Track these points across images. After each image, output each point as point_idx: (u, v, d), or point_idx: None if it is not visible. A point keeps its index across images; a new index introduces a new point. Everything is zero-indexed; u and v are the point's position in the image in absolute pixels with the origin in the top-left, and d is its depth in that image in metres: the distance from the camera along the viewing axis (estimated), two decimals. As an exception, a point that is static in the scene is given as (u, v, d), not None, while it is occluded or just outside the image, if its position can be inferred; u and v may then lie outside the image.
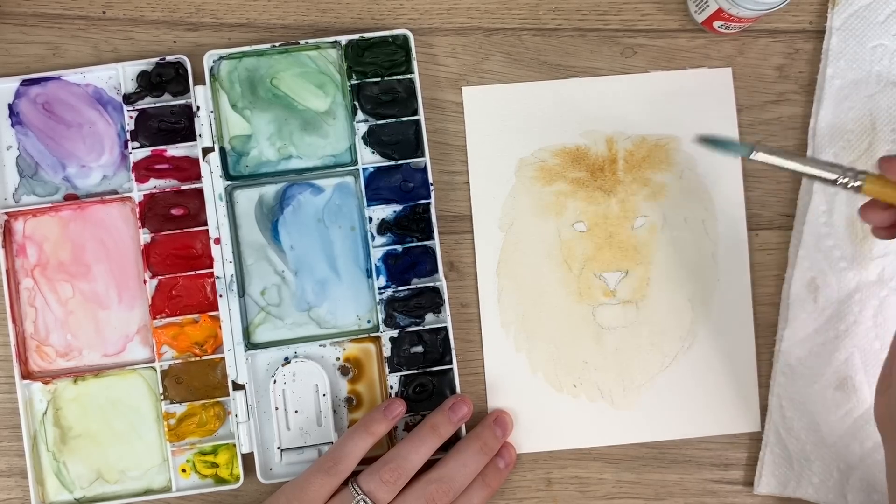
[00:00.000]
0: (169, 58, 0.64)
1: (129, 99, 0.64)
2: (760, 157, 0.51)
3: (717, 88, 0.67)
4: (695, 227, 0.66)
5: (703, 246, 0.67)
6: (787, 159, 0.51)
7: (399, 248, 0.65)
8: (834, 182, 0.49)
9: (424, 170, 0.65)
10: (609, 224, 0.66)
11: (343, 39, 0.65)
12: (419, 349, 0.65)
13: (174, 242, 0.64)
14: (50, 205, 0.64)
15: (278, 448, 0.64)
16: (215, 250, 0.64)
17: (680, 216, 0.66)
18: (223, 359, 0.64)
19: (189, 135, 0.64)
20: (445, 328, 0.65)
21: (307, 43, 0.65)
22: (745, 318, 0.66)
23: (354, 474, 0.60)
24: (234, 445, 0.64)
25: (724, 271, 0.66)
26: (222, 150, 0.65)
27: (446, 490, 0.60)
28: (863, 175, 0.48)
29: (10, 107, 0.65)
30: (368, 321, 0.66)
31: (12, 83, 0.65)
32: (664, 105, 0.67)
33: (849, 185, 0.49)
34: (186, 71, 0.64)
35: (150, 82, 0.65)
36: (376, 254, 0.65)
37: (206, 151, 0.64)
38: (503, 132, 0.67)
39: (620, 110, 0.67)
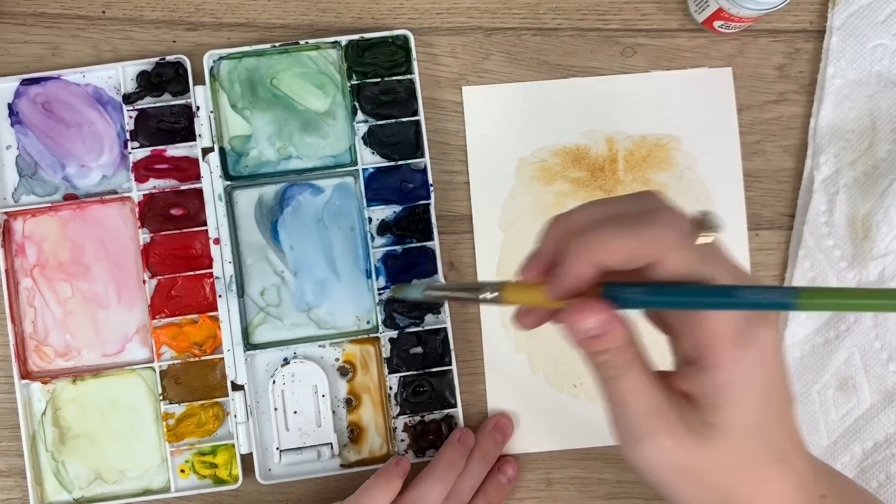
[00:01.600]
0: (169, 58, 0.64)
1: (128, 99, 0.64)
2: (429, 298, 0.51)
3: (718, 88, 0.67)
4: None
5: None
6: (444, 294, 0.52)
7: (399, 248, 0.65)
8: (477, 299, 0.47)
9: (424, 170, 0.65)
10: (609, 224, 0.66)
11: (343, 40, 0.65)
12: (418, 350, 0.65)
13: (173, 242, 0.64)
14: (49, 204, 0.64)
15: (277, 449, 0.64)
16: (215, 250, 0.64)
17: (680, 216, 0.66)
18: (222, 359, 0.64)
19: (189, 135, 0.64)
20: (445, 329, 0.64)
21: (307, 43, 0.65)
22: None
23: None
24: (233, 446, 0.64)
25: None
26: (222, 151, 0.65)
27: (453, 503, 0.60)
28: (500, 286, 0.46)
29: (10, 106, 0.65)
30: (368, 322, 0.66)
31: (12, 83, 0.65)
32: (664, 105, 0.67)
33: (489, 299, 0.46)
34: (186, 71, 0.64)
35: (149, 82, 0.65)
36: (376, 254, 0.65)
37: (205, 151, 0.64)
38: (503, 132, 0.66)
39: (621, 110, 0.67)
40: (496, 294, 0.46)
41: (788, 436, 0.44)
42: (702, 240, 0.40)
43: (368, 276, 0.65)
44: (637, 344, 0.43)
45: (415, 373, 0.64)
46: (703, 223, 0.40)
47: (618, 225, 0.40)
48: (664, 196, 0.42)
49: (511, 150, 0.67)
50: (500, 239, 0.66)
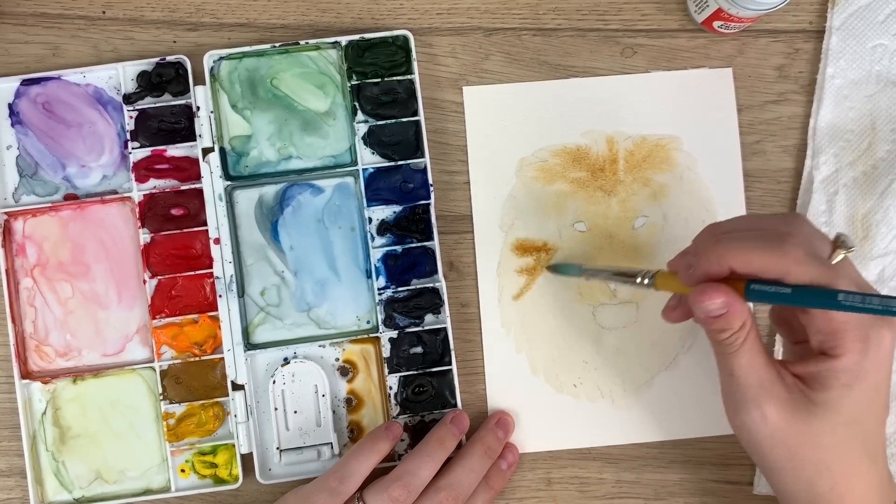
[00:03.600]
0: (169, 58, 0.64)
1: (129, 99, 0.65)
2: (585, 277, 0.63)
3: (718, 88, 0.67)
4: (695, 228, 0.66)
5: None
6: (602, 274, 0.61)
7: (399, 248, 0.65)
8: (636, 283, 0.57)
9: (424, 170, 0.65)
10: (609, 224, 0.66)
11: (343, 40, 0.65)
12: (418, 350, 0.65)
13: (174, 242, 0.64)
14: (50, 204, 0.64)
15: (277, 448, 0.64)
16: (215, 250, 0.64)
17: (680, 216, 0.66)
18: (222, 359, 0.64)
19: (189, 135, 0.64)
20: (445, 329, 0.64)
21: (307, 43, 0.65)
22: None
23: (360, 489, 0.59)
24: (234, 446, 0.64)
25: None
26: (222, 151, 0.65)
27: (455, 496, 0.60)
28: (653, 274, 0.57)
29: (10, 106, 0.65)
30: (368, 322, 0.66)
31: (12, 83, 0.65)
32: (665, 105, 0.67)
33: (645, 283, 0.57)
34: (186, 71, 0.64)
35: (150, 82, 0.65)
36: (376, 254, 0.65)
37: (206, 151, 0.64)
38: (504, 132, 0.67)
39: (621, 110, 0.67)
40: (651, 280, 0.56)
41: (879, 437, 0.52)
42: (836, 257, 0.49)
43: (368, 276, 0.65)
44: (756, 330, 0.51)
45: (415, 372, 0.64)
46: (838, 243, 0.49)
47: (755, 240, 0.49)
48: (809, 220, 0.51)
49: (511, 150, 0.67)
50: (500, 239, 0.66)
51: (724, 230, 0.52)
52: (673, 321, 0.57)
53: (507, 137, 0.66)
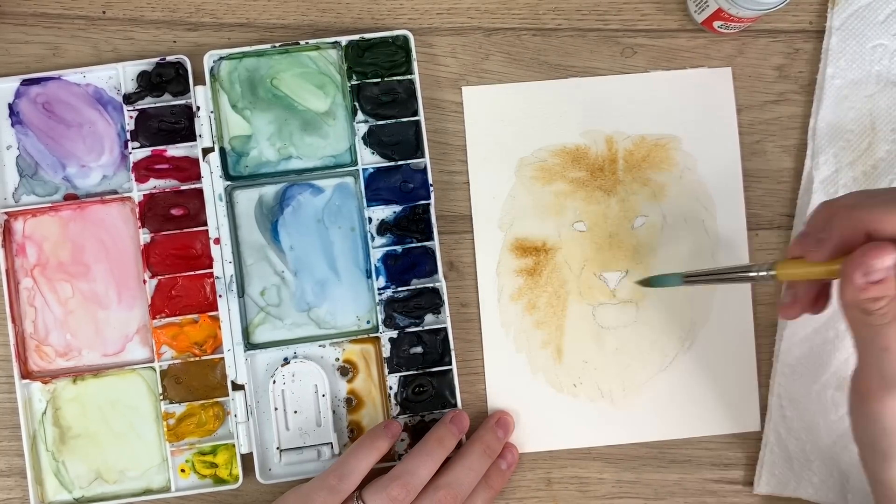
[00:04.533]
0: (169, 58, 0.64)
1: (129, 99, 0.65)
2: (687, 284, 0.59)
3: (718, 88, 0.67)
4: (695, 227, 0.66)
5: (704, 246, 0.66)
6: (709, 277, 0.59)
7: (399, 248, 0.65)
8: (752, 278, 0.55)
9: (424, 170, 0.65)
10: (609, 224, 0.66)
11: (343, 40, 0.65)
12: (419, 350, 0.65)
13: (174, 242, 0.64)
14: (50, 204, 0.64)
15: (277, 448, 0.64)
16: (215, 250, 0.64)
17: (680, 216, 0.66)
18: (222, 359, 0.64)
19: (189, 135, 0.64)
20: (445, 329, 0.65)
21: (307, 43, 0.65)
22: (745, 317, 0.66)
23: (358, 488, 0.59)
24: (234, 445, 0.64)
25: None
26: (222, 151, 0.65)
27: (454, 495, 0.60)
28: (772, 264, 0.54)
29: (11, 106, 0.65)
30: (368, 322, 0.66)
31: (12, 83, 0.65)
32: (664, 105, 0.67)
33: (763, 276, 0.54)
34: (186, 71, 0.64)
35: (150, 82, 0.65)
36: (376, 254, 0.65)
37: (206, 151, 0.64)
38: (503, 132, 0.67)
39: (620, 110, 0.67)
40: (771, 272, 0.53)
41: None
42: None
43: (368, 276, 0.65)
44: None
45: (415, 372, 0.64)
46: None
47: (892, 202, 0.47)
48: None
49: (511, 149, 0.67)
50: (500, 238, 0.66)
51: (843, 203, 0.49)
52: (792, 317, 0.55)
53: (506, 137, 0.67)
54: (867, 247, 0.47)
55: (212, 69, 0.65)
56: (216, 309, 0.64)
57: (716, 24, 0.64)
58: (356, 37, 0.65)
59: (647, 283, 0.62)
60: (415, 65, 0.65)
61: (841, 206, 0.49)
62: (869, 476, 0.54)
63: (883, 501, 0.53)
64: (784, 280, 0.53)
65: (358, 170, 0.65)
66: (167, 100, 0.65)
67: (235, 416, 0.63)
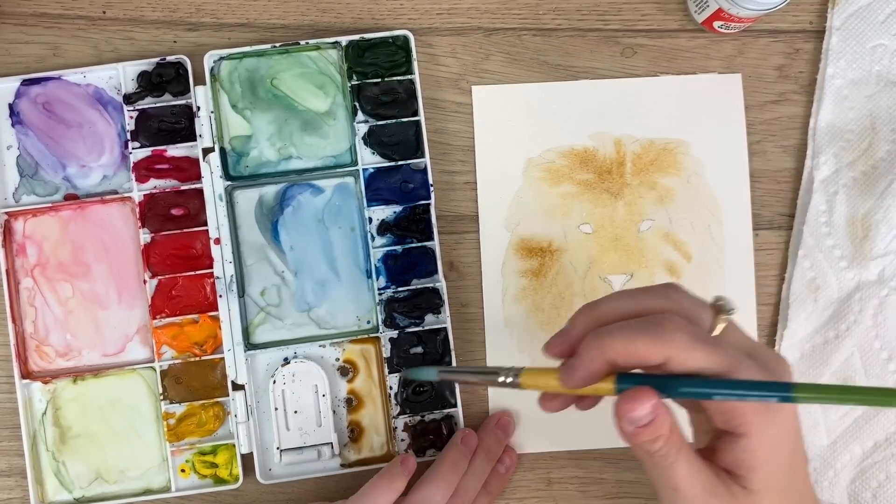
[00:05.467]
0: (169, 58, 0.64)
1: (129, 99, 0.65)
2: (442, 379, 0.57)
3: (727, 94, 0.67)
4: (701, 232, 0.66)
5: (709, 251, 0.66)
6: (458, 374, 0.59)
7: (399, 248, 0.65)
8: (495, 383, 0.50)
9: (424, 171, 0.65)
10: (615, 226, 0.66)
11: (343, 40, 0.65)
12: (419, 350, 0.65)
13: (174, 242, 0.64)
14: (50, 204, 0.64)
15: (277, 448, 0.64)
16: (215, 250, 0.64)
17: (686, 221, 0.66)
18: (223, 359, 0.64)
19: (189, 135, 0.64)
20: (445, 329, 0.65)
21: (307, 43, 0.65)
22: (748, 322, 0.66)
23: None
24: (234, 446, 0.64)
25: (729, 277, 0.66)
26: (222, 151, 0.65)
27: (460, 502, 0.60)
28: (518, 371, 0.49)
29: (11, 106, 0.65)
30: (368, 322, 0.66)
31: (12, 83, 0.65)
32: (673, 109, 0.67)
33: (507, 383, 0.50)
34: (187, 71, 0.64)
35: (150, 82, 0.65)
36: (376, 254, 0.65)
37: (206, 152, 0.64)
38: (511, 132, 0.67)
39: (629, 113, 0.67)
40: (515, 379, 0.49)
41: (809, 492, 0.48)
42: (718, 328, 0.46)
43: (369, 276, 0.65)
44: (680, 428, 0.45)
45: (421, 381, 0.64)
46: (718, 310, 0.46)
47: (633, 330, 0.44)
48: (686, 290, 0.47)
49: (519, 150, 0.67)
50: (505, 239, 0.66)
51: (602, 315, 0.47)
52: (552, 410, 0.50)
53: (514, 137, 0.66)
54: (625, 396, 0.44)
55: (212, 69, 0.65)
56: (216, 309, 0.64)
57: (716, 24, 0.64)
58: (356, 37, 0.65)
59: (407, 374, 0.62)
60: (415, 65, 0.65)
61: (595, 322, 0.47)
62: None
63: None
64: (529, 390, 0.50)
65: (358, 170, 0.65)
66: (167, 100, 0.65)
67: (236, 416, 0.63)
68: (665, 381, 0.44)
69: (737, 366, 0.43)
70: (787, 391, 0.41)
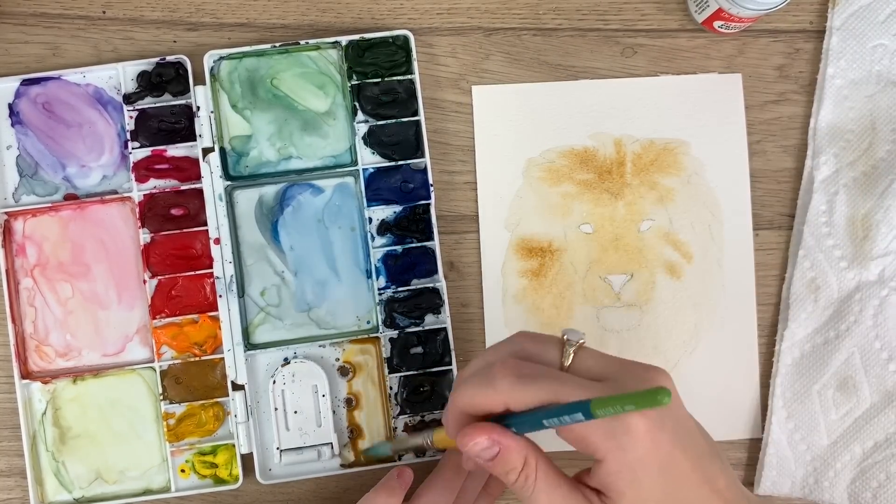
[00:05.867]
0: (169, 58, 0.64)
1: (129, 99, 0.65)
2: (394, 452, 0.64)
3: (727, 94, 0.67)
4: (701, 232, 0.66)
5: (709, 251, 0.66)
6: (403, 447, 0.63)
7: (399, 248, 0.65)
8: (423, 445, 0.59)
9: (424, 170, 0.65)
10: (615, 226, 0.66)
11: (343, 40, 0.65)
12: (419, 350, 0.65)
13: (174, 242, 0.64)
14: (50, 204, 0.64)
15: (277, 448, 0.64)
16: (215, 250, 0.64)
17: (686, 221, 0.66)
18: (222, 359, 0.64)
19: (189, 135, 0.64)
20: (445, 329, 0.64)
21: (307, 43, 0.65)
22: (748, 323, 0.66)
23: None
24: (234, 446, 0.64)
25: (730, 277, 0.66)
26: (222, 151, 0.65)
27: None
28: (430, 434, 0.58)
29: (10, 106, 0.65)
30: (368, 322, 0.66)
31: (12, 83, 0.65)
32: (673, 109, 0.67)
33: (428, 444, 0.58)
34: (186, 71, 0.64)
35: (150, 82, 0.65)
36: (376, 254, 0.65)
37: (206, 151, 0.64)
38: (512, 132, 0.66)
39: (629, 113, 0.67)
40: (430, 440, 0.58)
41: (714, 495, 0.47)
42: (566, 359, 0.48)
43: (369, 276, 0.65)
44: (545, 457, 0.48)
45: (415, 372, 0.64)
46: (564, 343, 0.49)
47: (470, 384, 0.48)
48: (533, 334, 0.50)
49: (519, 150, 0.67)
50: (505, 239, 0.66)
51: (461, 376, 0.51)
52: (471, 469, 0.56)
53: (514, 137, 0.66)
54: (462, 432, 0.48)
55: (212, 69, 0.65)
56: (216, 309, 0.64)
57: (716, 24, 0.64)
58: (356, 37, 0.65)
59: (367, 453, 0.65)
60: (415, 65, 0.65)
61: (454, 390, 0.50)
62: None
63: None
64: (440, 447, 0.57)
65: (358, 170, 0.65)
66: (167, 100, 0.65)
67: (235, 416, 0.63)
68: (512, 421, 0.47)
69: (560, 393, 0.45)
70: (586, 408, 0.42)
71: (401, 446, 0.63)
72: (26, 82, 0.65)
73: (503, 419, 0.48)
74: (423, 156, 0.65)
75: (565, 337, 0.49)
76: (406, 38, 0.65)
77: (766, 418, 0.65)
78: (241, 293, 0.65)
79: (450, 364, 0.64)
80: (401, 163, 0.65)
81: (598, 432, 0.45)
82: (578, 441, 0.46)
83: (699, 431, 0.49)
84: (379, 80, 0.65)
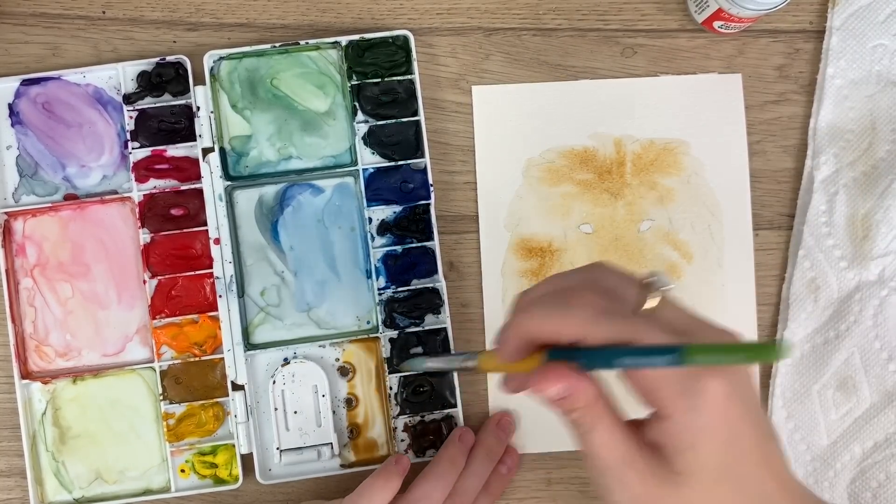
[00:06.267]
0: (169, 58, 0.64)
1: (129, 99, 0.65)
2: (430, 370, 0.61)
3: (727, 94, 0.67)
4: (701, 232, 0.66)
5: (709, 251, 0.66)
6: (438, 366, 0.60)
7: (399, 248, 0.65)
8: (458, 368, 0.55)
9: (424, 170, 0.65)
10: (615, 227, 0.66)
11: (343, 40, 0.65)
12: (419, 350, 0.65)
13: (174, 243, 0.64)
14: (49, 205, 0.64)
15: (277, 449, 0.64)
16: (215, 251, 0.64)
17: (686, 221, 0.66)
18: (222, 359, 0.64)
19: (189, 135, 0.64)
20: (445, 329, 0.64)
21: (307, 43, 0.65)
22: (748, 322, 0.66)
23: None
24: (234, 446, 0.64)
25: (730, 277, 0.66)
26: (222, 151, 0.65)
27: (460, 503, 0.60)
28: (475, 355, 0.53)
29: (10, 106, 0.65)
30: (368, 322, 0.66)
31: (12, 83, 0.65)
32: (673, 109, 0.67)
33: (469, 367, 0.53)
34: (186, 71, 0.64)
35: (150, 82, 0.65)
36: (376, 254, 0.65)
37: (205, 152, 0.64)
38: (512, 132, 0.66)
39: (629, 113, 0.67)
40: (474, 362, 0.53)
41: (771, 476, 0.45)
42: (649, 304, 0.45)
43: (369, 277, 0.65)
44: (607, 399, 0.45)
45: (415, 373, 0.64)
46: (647, 287, 0.45)
47: (544, 307, 0.45)
48: (612, 267, 0.47)
49: (519, 150, 0.67)
50: (505, 239, 0.66)
51: (526, 299, 0.48)
52: (511, 392, 0.51)
53: (514, 137, 0.66)
54: (537, 373, 0.45)
55: (212, 69, 0.65)
56: (216, 309, 0.64)
57: (716, 24, 0.64)
58: (356, 37, 0.65)
59: (405, 366, 0.63)
60: (415, 65, 0.65)
61: (520, 308, 0.48)
62: None
63: None
64: (484, 371, 0.54)
65: (358, 170, 0.65)
66: (167, 100, 0.65)
67: (235, 416, 0.63)
68: (582, 354, 0.44)
69: (640, 334, 0.42)
70: (677, 353, 0.40)
71: (439, 366, 0.60)
72: (26, 82, 0.65)
73: (564, 352, 0.45)
74: (422, 156, 0.65)
75: (650, 279, 0.45)
76: (406, 38, 0.65)
77: (765, 418, 0.65)
78: (241, 293, 0.65)
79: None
80: (401, 163, 0.65)
81: (671, 387, 0.43)
82: (646, 392, 0.44)
83: (763, 410, 0.47)
84: (379, 80, 0.65)
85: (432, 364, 0.60)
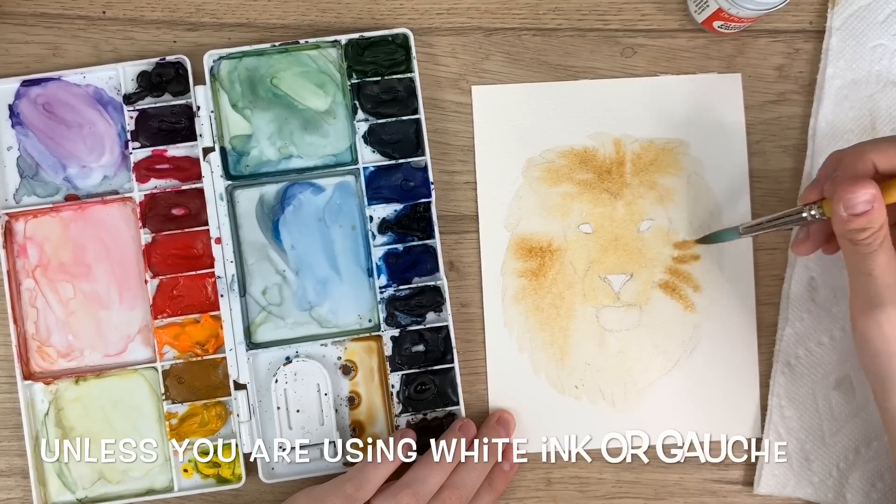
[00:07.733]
0: (169, 58, 0.64)
1: (129, 99, 0.64)
2: (745, 235, 0.63)
3: (727, 93, 0.67)
4: (701, 232, 0.66)
5: (709, 251, 0.67)
6: (764, 224, 0.61)
7: (400, 247, 0.65)
8: (805, 219, 0.57)
9: (425, 169, 0.65)
10: (615, 226, 0.66)
11: (343, 39, 0.65)
12: (420, 348, 0.65)
13: (175, 242, 0.65)
14: (51, 205, 0.64)
15: (280, 447, 0.64)
16: (216, 250, 0.64)
17: (686, 220, 0.66)
18: (224, 358, 0.64)
19: (189, 135, 0.64)
20: (446, 327, 0.65)
21: (307, 42, 0.65)
22: (747, 322, 0.67)
23: None
24: (236, 445, 0.64)
25: (729, 277, 0.67)
26: (223, 150, 0.65)
27: (460, 496, 0.60)
28: (819, 204, 0.56)
29: (11, 107, 0.65)
30: (369, 320, 0.66)
31: (12, 83, 0.65)
32: (673, 109, 0.67)
33: (815, 216, 0.56)
34: (186, 71, 0.64)
35: (150, 82, 0.65)
36: (377, 253, 0.65)
37: (206, 151, 0.64)
38: (511, 132, 0.67)
39: (629, 113, 0.67)
40: (820, 210, 0.56)
41: None
42: None
43: (370, 275, 0.65)
44: (889, 227, 0.52)
45: (417, 371, 0.65)
46: None
47: (881, 142, 0.53)
48: None
49: (519, 150, 0.67)
50: (505, 238, 0.66)
51: (851, 147, 0.55)
52: (804, 253, 0.60)
53: (514, 137, 0.67)
54: (847, 181, 0.51)
55: (212, 69, 0.65)
56: (218, 308, 0.64)
57: (716, 24, 0.64)
58: (356, 35, 0.65)
59: (706, 240, 0.66)
60: (415, 63, 0.65)
61: (848, 149, 0.54)
62: (878, 406, 0.57)
63: (890, 432, 0.57)
64: (830, 216, 0.56)
65: (358, 168, 0.65)
66: (167, 100, 0.65)
67: (238, 415, 0.64)
68: None
69: None
70: None
71: (757, 231, 0.62)
72: (27, 83, 0.65)
73: None
74: (423, 154, 0.65)
75: None
76: (405, 37, 0.65)
77: (765, 418, 0.66)
78: (243, 292, 0.65)
79: (451, 362, 0.64)
80: (401, 161, 0.65)
81: None
82: None
83: None
84: (379, 78, 0.65)
85: (751, 230, 0.62)
